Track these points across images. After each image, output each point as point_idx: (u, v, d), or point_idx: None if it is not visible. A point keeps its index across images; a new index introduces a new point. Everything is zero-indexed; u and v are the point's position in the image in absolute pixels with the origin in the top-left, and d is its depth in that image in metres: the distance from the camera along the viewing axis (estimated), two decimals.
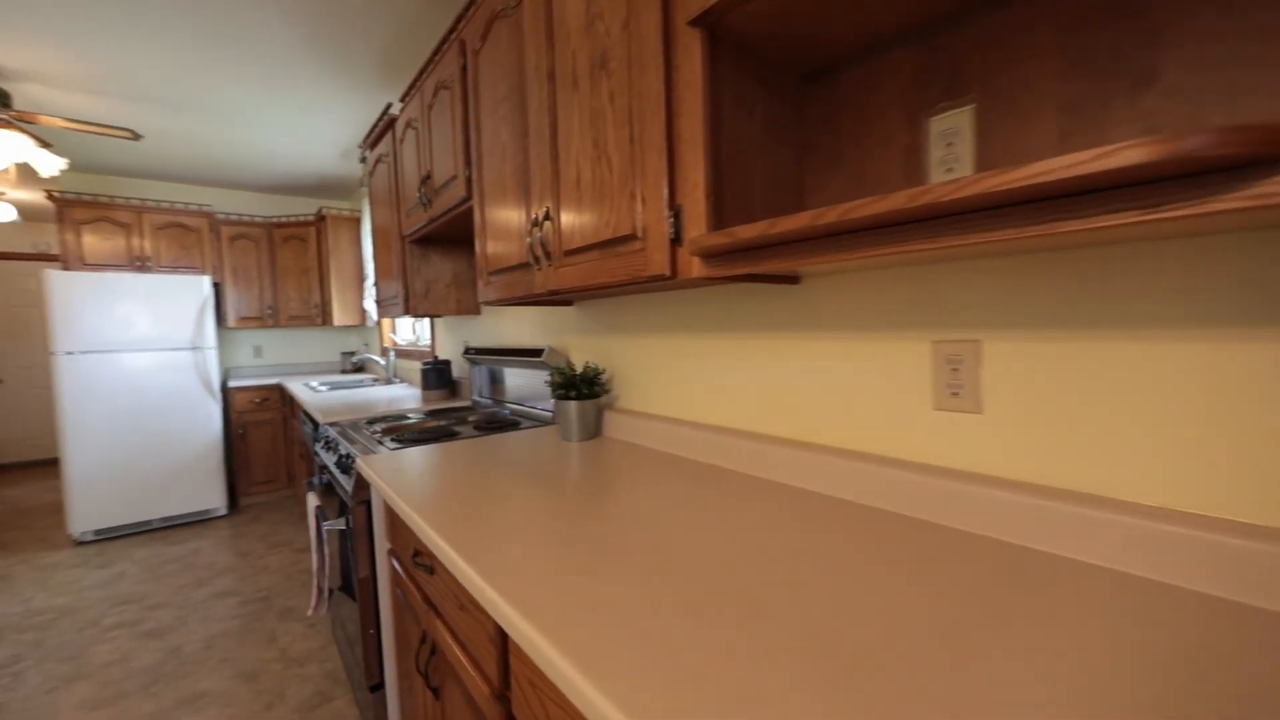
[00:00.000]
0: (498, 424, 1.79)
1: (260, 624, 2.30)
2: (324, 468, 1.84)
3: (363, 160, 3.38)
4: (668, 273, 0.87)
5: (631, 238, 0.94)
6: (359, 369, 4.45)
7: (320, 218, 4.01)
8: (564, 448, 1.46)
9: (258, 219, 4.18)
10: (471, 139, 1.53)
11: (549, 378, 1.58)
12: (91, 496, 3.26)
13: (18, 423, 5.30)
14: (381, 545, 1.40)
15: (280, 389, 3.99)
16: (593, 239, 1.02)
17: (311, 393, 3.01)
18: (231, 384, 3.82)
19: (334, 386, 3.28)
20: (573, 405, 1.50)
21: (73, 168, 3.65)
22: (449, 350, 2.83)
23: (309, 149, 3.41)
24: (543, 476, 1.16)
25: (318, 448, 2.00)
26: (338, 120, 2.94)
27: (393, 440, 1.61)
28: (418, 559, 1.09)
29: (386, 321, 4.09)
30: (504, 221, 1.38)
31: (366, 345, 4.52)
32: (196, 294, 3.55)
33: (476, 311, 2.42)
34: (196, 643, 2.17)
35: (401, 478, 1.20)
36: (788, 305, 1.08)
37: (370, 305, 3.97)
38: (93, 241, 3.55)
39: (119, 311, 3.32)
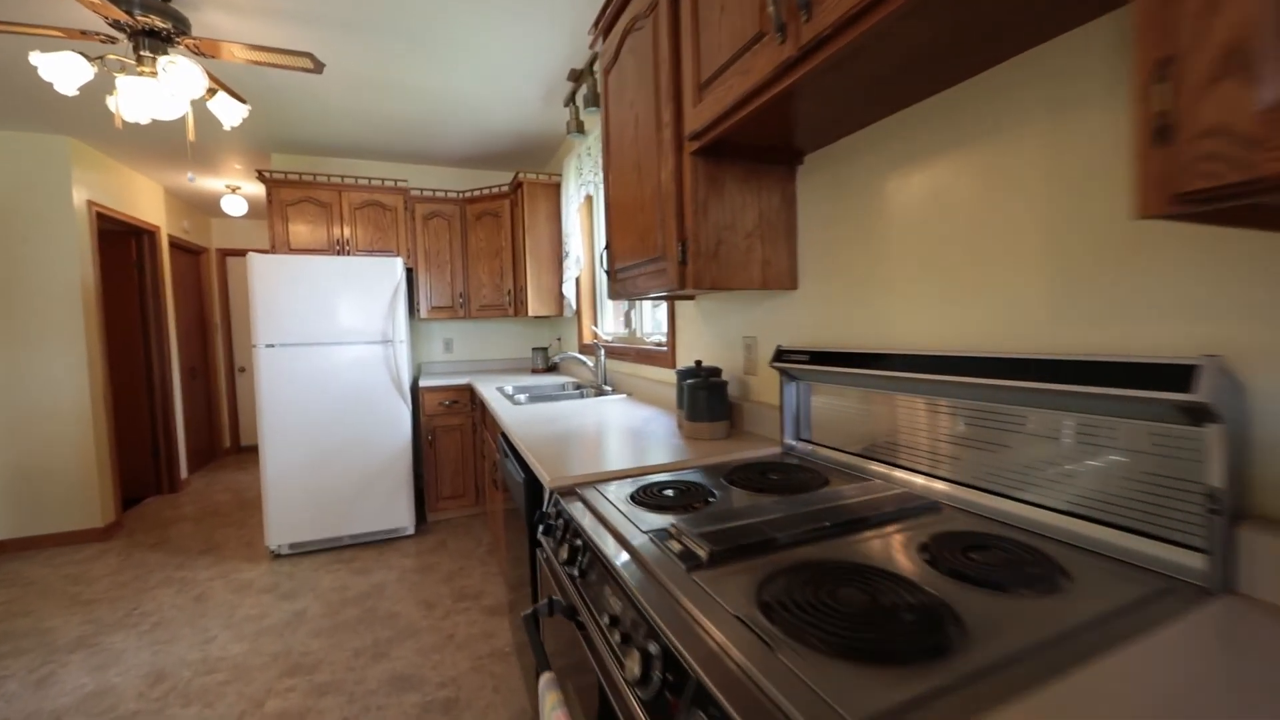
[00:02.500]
0: (1012, 560, 0.66)
1: None
2: (573, 615, 0.88)
3: (568, 102, 2.55)
4: None
5: None
6: (551, 368, 3.75)
7: (516, 185, 3.34)
8: None
9: (451, 193, 3.67)
10: None
11: None
12: (287, 505, 2.91)
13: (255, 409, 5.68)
14: None
15: (470, 390, 3.42)
16: None
17: (508, 404, 2.23)
18: (422, 383, 3.32)
19: (534, 395, 2.50)
20: None
21: (275, 148, 3.43)
22: (710, 352, 1.82)
23: (505, 90, 2.69)
24: None
25: (546, 542, 1.07)
26: (548, 22, 2.10)
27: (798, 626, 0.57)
28: None
29: (587, 310, 3.29)
30: None
31: (560, 340, 3.82)
32: (390, 277, 3.06)
33: (789, 283, 1.35)
34: None
35: None
36: None
37: (570, 290, 3.20)
38: (297, 226, 3.25)
39: (315, 298, 2.93)
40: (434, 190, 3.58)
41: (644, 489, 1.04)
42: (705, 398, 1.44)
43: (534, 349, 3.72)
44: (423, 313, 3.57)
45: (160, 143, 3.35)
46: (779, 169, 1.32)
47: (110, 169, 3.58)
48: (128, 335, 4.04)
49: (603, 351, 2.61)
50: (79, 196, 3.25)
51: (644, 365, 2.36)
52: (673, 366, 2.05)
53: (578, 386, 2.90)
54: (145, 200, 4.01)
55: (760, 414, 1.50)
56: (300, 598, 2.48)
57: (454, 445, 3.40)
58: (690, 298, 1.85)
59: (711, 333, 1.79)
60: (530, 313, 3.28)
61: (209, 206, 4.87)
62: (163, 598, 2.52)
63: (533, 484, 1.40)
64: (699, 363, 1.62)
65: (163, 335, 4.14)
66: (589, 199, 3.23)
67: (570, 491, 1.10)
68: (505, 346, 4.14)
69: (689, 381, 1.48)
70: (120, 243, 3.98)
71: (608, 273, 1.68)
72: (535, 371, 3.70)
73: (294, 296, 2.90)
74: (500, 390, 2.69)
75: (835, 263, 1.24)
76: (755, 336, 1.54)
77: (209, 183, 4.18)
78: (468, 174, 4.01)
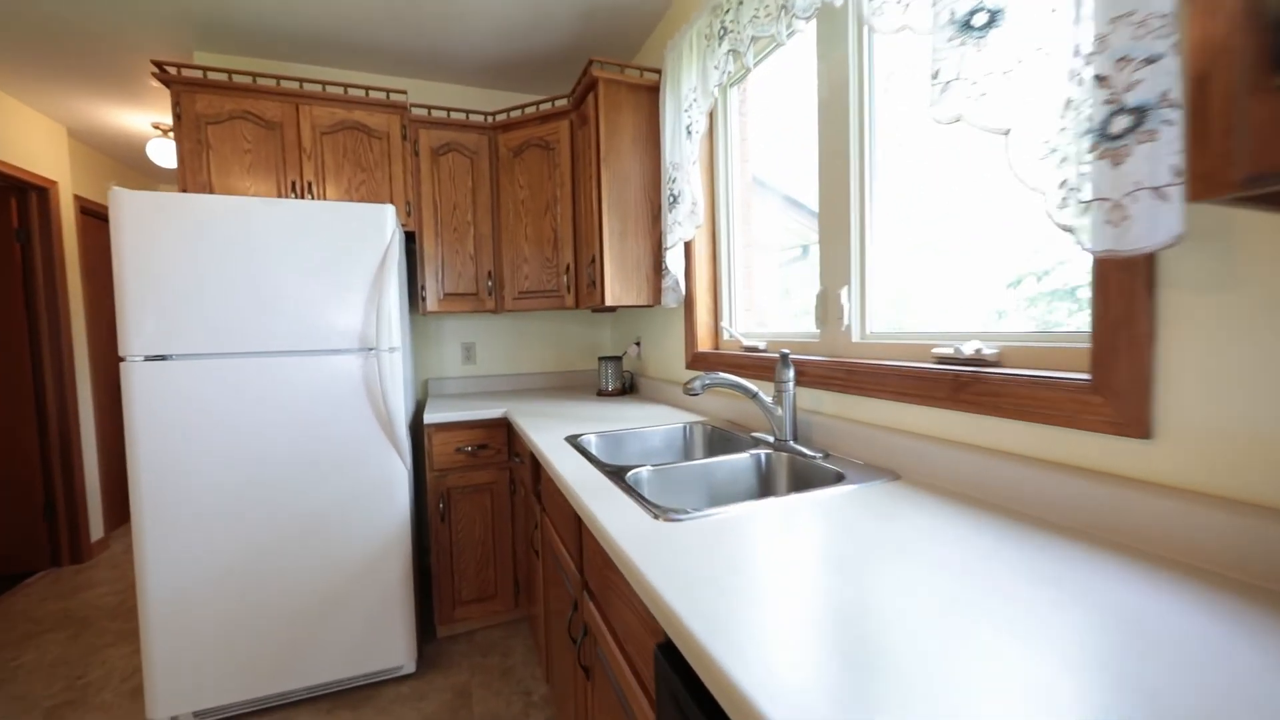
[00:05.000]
0: None
1: None
2: None
3: None
4: None
5: None
6: (626, 389, 2.44)
7: (587, 88, 2.01)
8: None
9: (475, 115, 2.39)
10: None
11: None
12: (186, 644, 1.62)
13: None
14: None
15: (507, 426, 2.12)
16: None
17: (638, 517, 0.91)
18: (429, 416, 2.02)
19: (657, 462, 1.17)
20: None
21: (200, 39, 2.14)
22: None
23: None
24: None
25: None
26: None
27: None
28: None
29: (706, 295, 1.97)
30: None
31: (640, 345, 2.51)
32: (374, 237, 1.77)
33: None
34: None
35: None
36: None
37: (677, 261, 1.89)
38: (227, 161, 1.97)
39: (240, 272, 1.64)
40: (448, 110, 2.29)
41: None
42: None
43: (602, 360, 2.41)
44: (430, 303, 2.28)
45: (50, 51, 2.09)
46: None
47: None
48: (2, 338, 2.79)
49: (791, 375, 1.28)
50: None
51: (896, 402, 1.05)
52: (1138, 431, 0.72)
53: (714, 432, 1.58)
54: (33, 143, 2.76)
55: None
56: None
57: (480, 516, 2.10)
58: None
59: None
60: (607, 299, 1.97)
61: (145, 161, 3.61)
62: None
63: None
64: None
65: (61, 337, 2.88)
66: (718, 99, 1.90)
67: None
68: (556, 354, 2.83)
69: None
70: None
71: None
72: (604, 395, 2.39)
73: (200, 269, 1.61)
74: (577, 446, 1.37)
75: None
76: None
77: (128, 118, 2.92)
78: (499, 96, 2.70)
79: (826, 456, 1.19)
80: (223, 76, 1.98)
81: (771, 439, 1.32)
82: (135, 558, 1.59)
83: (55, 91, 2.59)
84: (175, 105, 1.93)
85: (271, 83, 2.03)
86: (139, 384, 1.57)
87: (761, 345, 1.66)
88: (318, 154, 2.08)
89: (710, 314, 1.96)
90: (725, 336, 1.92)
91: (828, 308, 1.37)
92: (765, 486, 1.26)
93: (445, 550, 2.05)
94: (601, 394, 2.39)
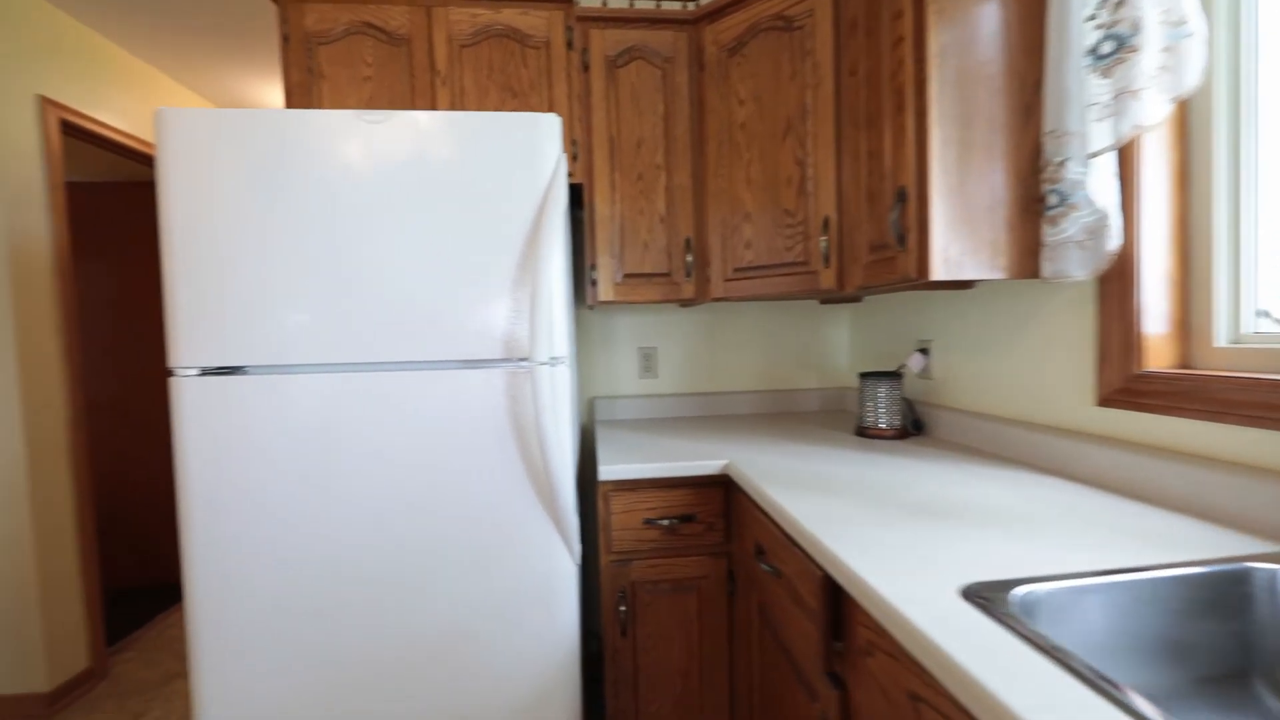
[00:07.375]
0: None
1: None
2: None
3: None
4: None
5: None
6: (907, 430, 1.46)
7: None
8: None
9: (668, 3, 1.61)
10: None
11: None
12: None
13: None
14: None
15: (725, 487, 1.29)
16: None
17: None
18: (606, 471, 1.26)
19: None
20: None
21: None
22: None
23: None
24: None
25: None
26: None
27: None
28: None
29: (1154, 264, 0.94)
30: None
31: (925, 354, 1.52)
32: (525, 166, 1.05)
33: None
34: None
35: None
36: None
37: (1104, 183, 0.91)
38: (341, 91, 1.42)
39: (314, 226, 1.02)
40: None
41: None
42: None
43: (866, 379, 1.47)
44: (602, 290, 1.54)
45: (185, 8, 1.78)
46: None
47: (107, 59, 2.13)
48: (140, 341, 2.66)
49: None
50: (21, 86, 1.78)
51: None
52: None
53: None
54: None
55: None
56: None
57: (680, 630, 1.30)
58: None
59: None
60: (933, 267, 1.02)
61: None
62: None
63: None
64: None
65: None
66: None
67: None
68: (765, 365, 1.94)
69: None
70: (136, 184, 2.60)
71: None
72: (869, 435, 1.44)
73: (273, 228, 1.01)
74: (1025, 634, 0.47)
75: None
76: None
77: (277, 94, 2.66)
78: None
79: None
80: None
81: None
82: (189, 672, 1.03)
83: (196, 59, 2.35)
84: (283, 24, 1.41)
85: None
86: (188, 406, 1.00)
87: None
88: (454, 76, 1.44)
89: (1173, 291, 0.93)
90: (1220, 340, 0.88)
91: None
92: None
93: (627, 679, 1.28)
94: (864, 433, 1.46)
